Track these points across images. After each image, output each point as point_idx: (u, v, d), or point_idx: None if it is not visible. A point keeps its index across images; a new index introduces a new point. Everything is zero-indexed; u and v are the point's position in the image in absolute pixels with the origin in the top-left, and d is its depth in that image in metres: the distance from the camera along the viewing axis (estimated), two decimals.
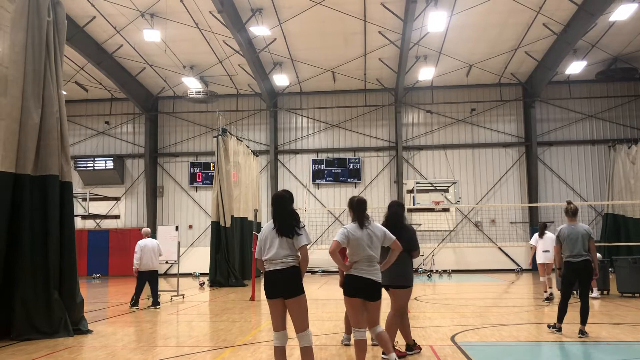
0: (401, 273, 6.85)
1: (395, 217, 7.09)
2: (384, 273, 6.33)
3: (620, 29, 22.21)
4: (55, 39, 9.85)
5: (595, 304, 12.74)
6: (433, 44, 23.49)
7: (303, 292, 5.50)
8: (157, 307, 13.22)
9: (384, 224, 6.89)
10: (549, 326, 8.83)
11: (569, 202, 8.94)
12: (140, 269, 12.98)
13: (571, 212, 8.71)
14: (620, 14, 19.35)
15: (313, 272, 25.80)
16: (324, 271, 25.97)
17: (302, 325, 5.45)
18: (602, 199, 26.76)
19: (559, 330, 8.54)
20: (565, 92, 27.92)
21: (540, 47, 23.95)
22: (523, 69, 26.65)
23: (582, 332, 8.26)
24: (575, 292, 10.71)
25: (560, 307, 8.57)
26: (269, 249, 5.55)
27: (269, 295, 5.53)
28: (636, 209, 24.52)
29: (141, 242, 13.16)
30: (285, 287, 5.44)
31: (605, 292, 14.74)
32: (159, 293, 15.92)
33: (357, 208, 6.03)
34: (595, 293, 13.42)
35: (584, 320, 8.34)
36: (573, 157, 27.84)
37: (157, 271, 13.30)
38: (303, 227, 5.60)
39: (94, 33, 22.73)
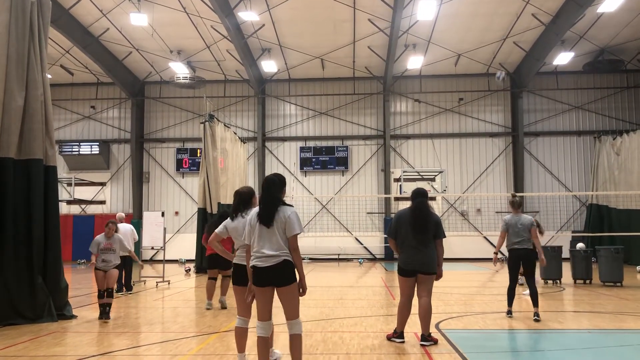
0: (430, 260, 7.10)
1: (422, 206, 7.22)
2: (414, 260, 6.99)
3: (607, 21, 22.30)
4: (40, 21, 9.69)
5: (573, 293, 12.91)
6: (422, 33, 23.45)
7: (295, 280, 5.24)
8: (130, 292, 13.21)
9: (412, 214, 7.16)
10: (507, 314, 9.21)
11: (513, 195, 9.56)
12: None
13: (516, 205, 9.29)
14: (608, 5, 19.42)
15: None
16: (310, 258, 26.05)
17: (292, 314, 5.25)
18: (587, 189, 27.03)
19: (509, 313, 9.09)
20: (553, 83, 28.06)
21: (529, 37, 24.01)
22: (511, 59, 26.72)
23: (537, 315, 8.77)
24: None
25: (508, 292, 9.19)
26: (258, 240, 5.25)
27: (257, 284, 5.26)
28: (620, 200, 24.78)
29: None
30: (276, 277, 5.19)
31: (588, 281, 14.95)
32: (142, 279, 15.91)
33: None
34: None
35: (535, 303, 8.89)
36: (559, 147, 28.05)
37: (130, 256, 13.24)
38: (292, 213, 5.27)
39: (79, 16, 22.38)
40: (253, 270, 5.27)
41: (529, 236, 8.92)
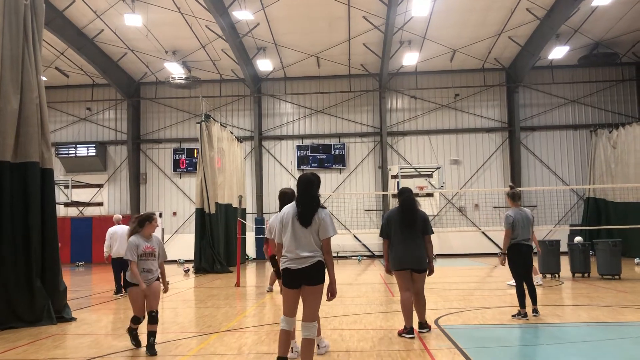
0: (421, 256, 7.33)
1: (409, 200, 7.50)
2: (405, 258, 7.18)
3: (602, 14, 22.32)
4: (33, 23, 9.66)
5: (571, 287, 12.95)
6: (417, 29, 23.45)
7: (323, 282, 5.18)
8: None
9: (400, 210, 7.42)
10: (513, 316, 8.62)
11: (512, 187, 9.14)
12: (113, 256, 12.99)
13: (517, 197, 8.92)
14: None
15: None
16: None
17: (312, 315, 5.22)
18: (584, 183, 27.08)
19: (525, 315, 8.44)
20: (548, 77, 28.09)
21: (524, 32, 24.02)
22: (506, 54, 26.73)
23: (536, 311, 8.57)
24: None
25: (518, 292, 8.57)
26: (291, 240, 5.19)
27: (289, 286, 5.23)
28: (617, 193, 24.84)
29: (111, 230, 13.18)
30: (308, 277, 5.15)
31: (586, 274, 14.99)
32: None
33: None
34: (539, 279, 12.96)
35: (535, 300, 8.61)
36: (555, 141, 28.08)
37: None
38: (326, 216, 5.22)
39: (73, 17, 22.33)
40: (285, 272, 5.22)
41: (531, 231, 8.64)
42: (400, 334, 7.42)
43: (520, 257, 8.56)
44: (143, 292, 6.78)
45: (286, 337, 5.31)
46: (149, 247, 6.92)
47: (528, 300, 8.58)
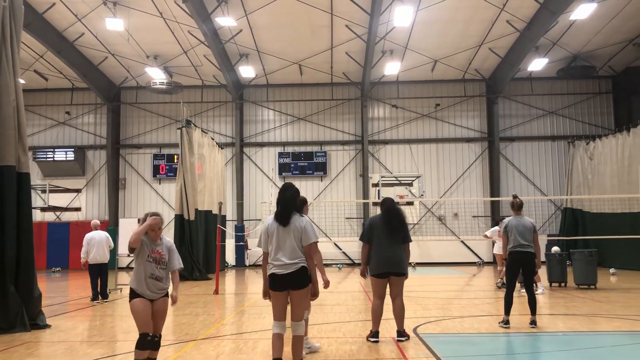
0: (401, 261, 7.56)
1: (395, 208, 7.73)
2: (387, 261, 7.41)
3: (580, 28, 22.74)
4: (12, 25, 9.53)
5: (548, 296, 13.08)
6: (399, 39, 23.64)
7: (308, 284, 5.68)
8: (106, 300, 13.06)
9: (385, 215, 7.64)
10: (499, 323, 8.69)
11: (514, 197, 9.20)
12: (90, 262, 12.80)
13: (517, 206, 8.97)
14: (580, 13, 19.82)
15: None
16: None
17: (300, 315, 5.70)
18: (562, 193, 27.43)
19: (507, 323, 8.50)
20: (527, 89, 28.47)
21: (504, 43, 24.35)
22: (487, 65, 27.05)
23: (534, 322, 8.49)
24: (520, 284, 11.15)
25: (506, 299, 8.64)
26: (276, 248, 5.66)
27: (275, 289, 5.68)
28: (593, 204, 25.22)
29: (88, 235, 12.99)
30: (294, 282, 5.63)
31: (562, 284, 15.16)
32: (118, 287, 15.71)
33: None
34: (540, 289, 13.15)
35: (533, 310, 8.58)
36: (534, 152, 28.44)
37: (106, 264, 13.11)
38: (307, 223, 5.71)
39: (54, 20, 22.08)
40: (272, 277, 5.68)
41: (531, 239, 8.61)
42: (367, 338, 7.66)
43: (514, 264, 8.66)
44: (148, 305, 5.52)
45: (279, 340, 5.70)
46: (156, 251, 5.59)
47: (521, 309, 8.63)
